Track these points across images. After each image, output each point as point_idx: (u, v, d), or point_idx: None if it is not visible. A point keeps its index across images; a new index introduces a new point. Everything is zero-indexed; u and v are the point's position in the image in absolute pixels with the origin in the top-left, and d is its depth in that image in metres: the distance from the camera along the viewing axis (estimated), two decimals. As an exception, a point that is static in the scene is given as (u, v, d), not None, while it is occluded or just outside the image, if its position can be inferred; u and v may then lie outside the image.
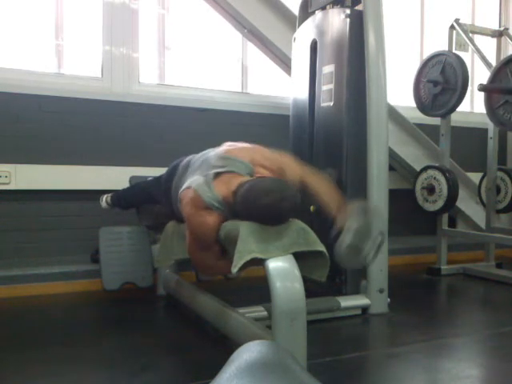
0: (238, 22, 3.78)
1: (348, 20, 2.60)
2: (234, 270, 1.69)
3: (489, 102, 3.31)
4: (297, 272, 1.70)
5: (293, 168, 2.08)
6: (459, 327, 2.47)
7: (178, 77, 3.74)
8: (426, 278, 3.51)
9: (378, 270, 2.54)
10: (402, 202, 3.63)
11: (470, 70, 4.06)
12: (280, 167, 2.04)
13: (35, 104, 3.11)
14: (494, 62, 3.56)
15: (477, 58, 3.74)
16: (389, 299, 2.58)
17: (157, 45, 3.71)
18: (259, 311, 2.21)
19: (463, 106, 3.85)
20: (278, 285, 1.67)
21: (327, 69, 2.76)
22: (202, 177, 1.96)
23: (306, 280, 1.74)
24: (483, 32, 3.94)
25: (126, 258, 2.85)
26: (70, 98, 3.19)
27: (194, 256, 2.05)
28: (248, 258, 1.69)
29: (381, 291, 2.54)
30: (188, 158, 2.26)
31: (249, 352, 0.80)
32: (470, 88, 3.57)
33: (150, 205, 2.75)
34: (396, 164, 4.09)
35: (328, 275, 1.90)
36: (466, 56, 3.77)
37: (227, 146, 2.14)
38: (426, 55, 3.87)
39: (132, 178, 3.01)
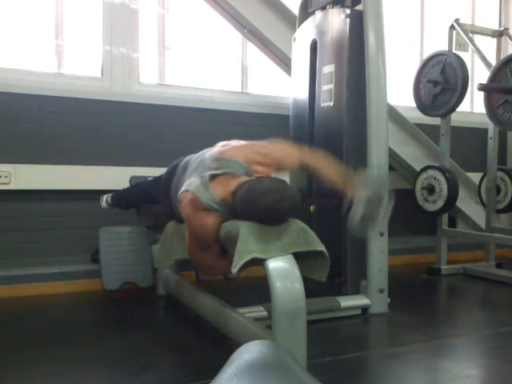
0: (238, 22, 3.79)
1: (348, 20, 2.60)
2: (234, 270, 1.69)
3: (488, 102, 3.31)
4: (297, 272, 1.70)
5: (290, 154, 2.07)
6: (459, 327, 2.47)
7: (178, 77, 3.74)
8: (425, 277, 3.51)
9: (378, 270, 2.54)
10: (402, 202, 3.60)
11: (470, 70, 4.06)
12: (276, 159, 2.03)
13: (35, 104, 3.11)
14: (493, 62, 3.56)
15: (477, 57, 3.74)
16: (389, 299, 2.58)
17: (157, 45, 3.71)
18: (259, 311, 2.21)
19: (463, 106, 3.85)
20: (278, 285, 1.67)
21: (327, 69, 2.76)
22: (198, 179, 1.96)
23: (305, 280, 1.74)
24: (483, 32, 3.94)
25: (126, 258, 2.85)
26: (69, 97, 3.19)
27: (193, 256, 2.05)
28: (248, 258, 1.69)
29: (381, 291, 2.54)
30: (187, 159, 2.26)
31: (249, 352, 0.80)
32: (469, 88, 3.57)
33: (149, 205, 2.75)
34: (396, 164, 4.09)
35: (328, 275, 1.90)
36: (466, 56, 3.77)
37: (220, 146, 2.12)
38: (426, 55, 3.87)
39: (132, 178, 3.01)
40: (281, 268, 1.70)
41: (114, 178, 3.14)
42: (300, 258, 1.76)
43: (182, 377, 1.82)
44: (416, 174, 3.70)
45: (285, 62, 3.73)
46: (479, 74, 4.61)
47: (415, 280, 3.46)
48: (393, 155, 3.85)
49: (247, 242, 1.71)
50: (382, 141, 2.55)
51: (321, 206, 2.83)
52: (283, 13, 3.69)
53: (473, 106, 4.93)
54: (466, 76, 3.35)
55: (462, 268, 3.60)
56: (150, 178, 2.74)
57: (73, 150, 3.20)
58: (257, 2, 3.69)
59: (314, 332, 2.04)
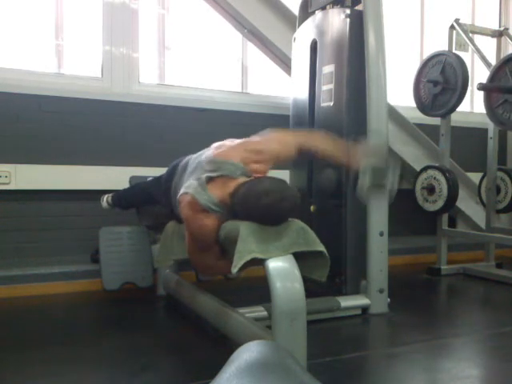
0: (238, 22, 3.79)
1: (348, 20, 2.60)
2: (234, 270, 1.69)
3: (488, 101, 3.31)
4: (297, 272, 1.70)
5: (285, 143, 2.07)
6: (459, 327, 2.47)
7: (178, 77, 3.74)
8: (425, 277, 3.51)
9: (378, 270, 2.54)
10: (402, 201, 3.61)
11: (470, 69, 4.06)
12: (273, 153, 2.01)
13: (35, 104, 3.11)
14: (493, 62, 3.56)
15: (477, 57, 3.74)
16: (389, 299, 2.58)
17: (157, 45, 3.71)
18: (259, 311, 2.21)
19: (463, 106, 3.85)
20: (278, 285, 1.67)
21: (327, 69, 2.76)
22: (195, 181, 1.96)
23: (305, 280, 1.74)
24: (483, 32, 3.94)
25: (126, 258, 2.85)
26: (69, 98, 3.19)
27: (193, 257, 2.05)
28: (248, 258, 1.69)
29: (381, 291, 2.54)
30: (186, 159, 2.26)
31: (249, 352, 0.80)
32: (469, 88, 3.57)
33: (149, 205, 2.75)
34: (396, 164, 4.08)
35: (328, 275, 1.90)
36: (466, 56, 3.77)
37: (215, 148, 2.10)
38: (426, 55, 3.87)
39: (132, 178, 3.01)
40: (281, 268, 1.70)
41: (114, 177, 3.14)
42: (300, 258, 1.76)
43: (182, 377, 1.82)
44: (416, 174, 3.70)
45: (285, 62, 3.73)
46: (479, 74, 4.61)
47: (415, 280, 3.46)
48: (393, 155, 3.85)
49: (247, 242, 1.71)
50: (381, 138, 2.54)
51: (321, 206, 2.83)
52: (283, 13, 3.69)
53: (473, 105, 4.93)
54: (466, 76, 3.35)
55: (462, 268, 3.60)
56: (150, 179, 2.74)
57: (73, 150, 3.20)
58: (257, 2, 3.69)
59: (314, 332, 2.04)
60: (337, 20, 2.69)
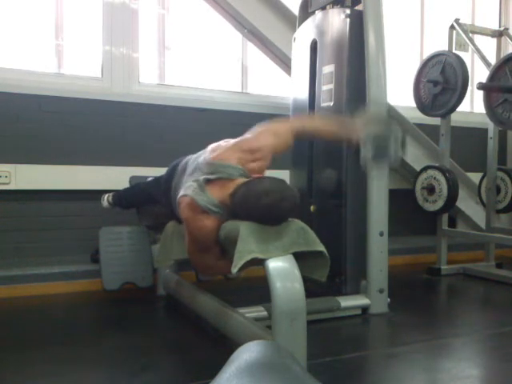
0: (238, 22, 3.79)
1: (348, 20, 2.60)
2: (234, 270, 1.69)
3: (488, 101, 3.31)
4: (297, 272, 1.70)
5: (279, 134, 2.05)
6: (459, 327, 2.47)
7: (178, 77, 3.74)
8: (425, 277, 3.51)
9: (378, 270, 2.54)
10: (402, 202, 3.63)
11: (470, 69, 4.06)
12: (269, 149, 2.00)
13: (35, 104, 3.11)
14: (493, 62, 3.56)
15: (477, 57, 3.74)
16: (389, 299, 2.58)
17: (157, 45, 3.71)
18: (259, 311, 2.21)
19: (463, 106, 3.85)
20: (278, 285, 1.67)
21: (327, 69, 2.76)
22: (194, 183, 1.96)
23: (305, 280, 1.74)
24: (483, 32, 3.94)
25: (126, 258, 2.85)
26: (69, 98, 3.19)
27: (193, 257, 2.05)
28: (248, 258, 1.69)
29: (381, 291, 2.54)
30: (186, 159, 2.26)
31: (249, 352, 0.80)
32: (469, 88, 3.57)
33: (150, 205, 2.75)
34: (396, 164, 4.08)
35: (328, 275, 1.90)
36: (466, 56, 3.77)
37: (211, 149, 2.09)
38: (426, 55, 3.87)
39: (132, 178, 3.01)
40: (281, 268, 1.70)
41: (114, 177, 3.14)
42: (300, 258, 1.76)
43: (182, 377, 1.82)
44: (416, 174, 3.70)
45: (285, 62, 3.73)
46: (479, 74, 4.61)
47: (415, 280, 3.46)
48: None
49: (247, 242, 1.71)
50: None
51: (321, 206, 2.83)
52: (283, 13, 3.69)
53: (473, 105, 4.93)
54: (466, 76, 3.35)
55: (462, 268, 3.60)
56: (150, 179, 2.74)
57: (73, 150, 3.20)
58: (257, 2, 3.69)
59: (314, 332, 2.04)
60: (337, 20, 2.69)
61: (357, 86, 2.59)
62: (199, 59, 3.81)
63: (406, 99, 4.07)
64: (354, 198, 2.63)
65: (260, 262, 1.72)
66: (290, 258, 1.73)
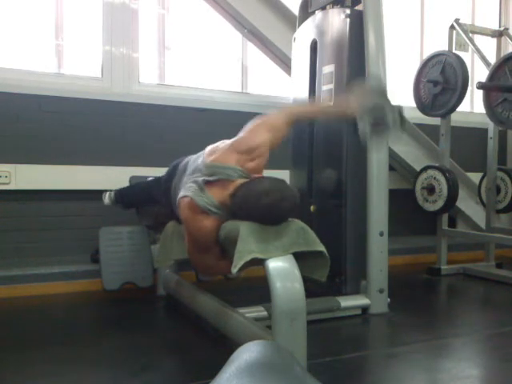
0: (238, 22, 3.79)
1: (348, 20, 2.60)
2: (234, 270, 1.69)
3: (487, 100, 3.31)
4: (297, 272, 1.70)
5: (275, 126, 2.04)
6: (459, 327, 2.47)
7: (178, 77, 3.74)
8: (425, 277, 3.51)
9: (378, 270, 2.54)
10: (402, 202, 3.63)
11: (470, 69, 4.06)
12: (265, 144, 1.99)
13: (35, 104, 3.11)
14: (493, 62, 3.56)
15: (477, 57, 3.74)
16: (389, 299, 2.58)
17: (157, 45, 3.71)
18: (259, 311, 2.21)
19: (463, 106, 3.85)
20: (278, 285, 1.67)
21: (327, 69, 2.75)
22: (194, 184, 1.96)
23: (305, 280, 1.74)
24: (483, 32, 3.94)
25: (126, 258, 2.85)
26: (69, 98, 3.19)
27: (193, 257, 2.05)
28: (248, 258, 1.69)
29: (381, 291, 2.54)
30: (187, 159, 2.26)
31: (249, 352, 0.80)
32: (469, 88, 3.57)
33: (150, 205, 2.75)
34: (396, 164, 4.09)
35: (328, 275, 1.90)
36: (466, 56, 3.77)
37: (209, 152, 2.08)
38: (426, 55, 3.87)
39: (132, 178, 3.01)
40: (281, 268, 1.70)
41: (114, 178, 3.14)
42: (300, 258, 1.76)
43: (182, 377, 1.82)
44: (416, 174, 3.70)
45: (285, 62, 3.73)
46: (479, 74, 4.61)
47: (415, 280, 3.46)
48: (393, 155, 3.85)
49: (247, 242, 1.71)
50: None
51: (321, 206, 2.83)
52: (283, 13, 3.69)
53: (473, 105, 4.93)
54: (466, 76, 3.35)
55: (462, 268, 3.60)
56: (150, 178, 2.74)
57: (73, 150, 3.20)
58: (257, 2, 3.69)
59: (314, 332, 2.04)
60: (337, 20, 2.69)
61: (357, 85, 2.59)
62: (199, 59, 3.81)
63: (406, 99, 4.07)
64: (354, 197, 2.63)
65: (260, 262, 1.72)
66: (290, 258, 1.73)
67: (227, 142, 2.08)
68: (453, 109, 3.46)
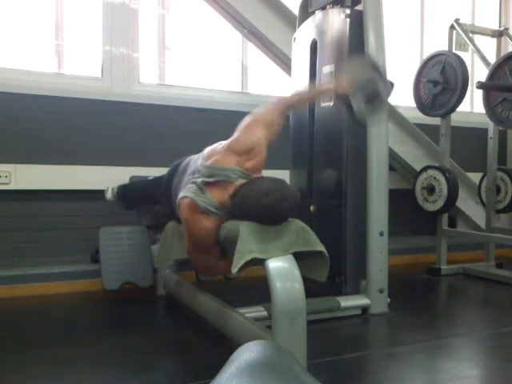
0: (238, 22, 3.78)
1: (348, 20, 2.60)
2: (234, 270, 1.69)
3: (487, 100, 3.32)
4: (297, 272, 1.70)
5: (269, 120, 2.03)
6: (459, 327, 2.47)
7: (178, 77, 3.74)
8: (425, 277, 3.51)
9: (378, 270, 2.54)
10: (402, 201, 3.63)
11: (470, 69, 4.06)
12: (262, 141, 1.98)
13: (35, 104, 3.11)
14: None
15: (477, 57, 3.74)
16: (389, 299, 2.58)
17: (157, 45, 3.71)
18: (259, 311, 2.21)
19: (463, 106, 3.85)
20: (278, 285, 1.67)
21: (327, 69, 2.75)
22: (194, 185, 1.96)
23: (305, 280, 1.74)
24: (483, 32, 3.94)
25: (126, 258, 2.85)
26: (69, 98, 3.19)
27: (193, 257, 2.05)
28: (248, 258, 1.69)
29: (381, 291, 2.54)
30: (188, 159, 2.25)
31: (249, 352, 0.80)
32: (469, 88, 3.57)
33: (150, 205, 2.75)
34: (396, 164, 4.09)
35: (328, 275, 1.90)
36: (466, 56, 3.77)
37: (207, 154, 2.07)
38: (426, 55, 3.87)
39: (132, 178, 3.01)
40: (281, 268, 1.70)
41: (114, 178, 3.13)
42: (300, 258, 1.77)
43: (182, 377, 1.82)
44: (416, 174, 3.70)
45: (285, 62, 3.73)
46: (479, 74, 4.61)
47: (415, 280, 3.46)
48: (393, 155, 3.85)
49: (247, 242, 1.71)
50: (382, 140, 2.55)
51: (321, 206, 2.83)
52: (283, 13, 3.69)
53: (473, 105, 4.93)
54: (466, 76, 3.35)
55: (462, 268, 3.60)
56: (151, 178, 2.75)
57: (73, 150, 3.20)
58: (257, 2, 3.69)
59: (314, 332, 2.04)
60: (337, 20, 2.69)
61: (357, 85, 2.59)
62: (199, 59, 3.81)
63: (406, 99, 4.07)
64: (354, 197, 2.63)
65: (260, 262, 1.72)
66: (290, 258, 1.73)
67: (224, 143, 2.07)
68: (453, 109, 3.46)
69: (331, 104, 2.72)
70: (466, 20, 4.19)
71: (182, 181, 2.11)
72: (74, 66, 3.40)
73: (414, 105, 3.71)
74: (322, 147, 2.85)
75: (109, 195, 2.82)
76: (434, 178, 3.51)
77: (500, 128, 3.74)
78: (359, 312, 2.53)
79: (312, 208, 2.84)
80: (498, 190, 3.86)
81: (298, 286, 1.69)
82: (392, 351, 2.10)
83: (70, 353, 2.00)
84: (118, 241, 2.87)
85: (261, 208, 1.75)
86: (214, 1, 3.70)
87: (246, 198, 1.79)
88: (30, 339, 2.14)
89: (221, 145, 2.08)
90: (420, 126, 4.12)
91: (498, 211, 3.89)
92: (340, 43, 2.66)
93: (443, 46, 3.68)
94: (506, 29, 3.92)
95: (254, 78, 3.97)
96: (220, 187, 1.92)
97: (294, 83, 3.16)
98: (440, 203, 3.47)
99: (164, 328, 2.42)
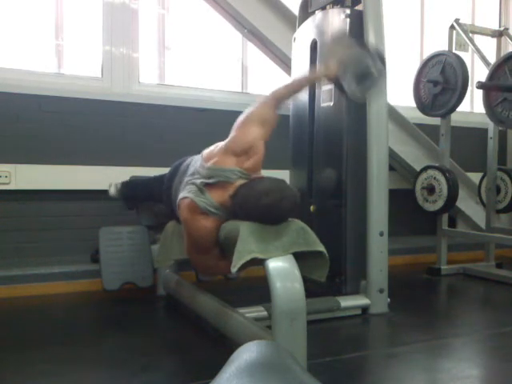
0: (238, 22, 3.78)
1: (348, 20, 2.60)
2: (234, 269, 1.69)
3: (487, 100, 3.32)
4: (297, 272, 1.70)
5: (264, 116, 2.03)
6: (459, 327, 2.47)
7: (178, 77, 3.74)
8: (425, 277, 3.51)
9: (378, 270, 2.54)
10: (402, 202, 3.63)
11: (470, 69, 4.06)
12: (259, 139, 1.98)
13: (35, 104, 3.11)
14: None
15: (477, 57, 3.74)
16: (389, 299, 2.58)
17: (157, 45, 3.71)
18: (259, 311, 2.21)
19: (463, 106, 3.85)
20: (278, 285, 1.67)
21: (327, 69, 2.75)
22: (194, 186, 1.96)
23: (305, 280, 1.74)
24: (483, 32, 3.94)
25: (126, 258, 2.85)
26: (69, 98, 3.19)
27: (193, 258, 2.05)
28: (248, 257, 1.69)
29: (381, 291, 2.54)
30: (189, 159, 2.25)
31: (249, 352, 0.80)
32: (469, 88, 3.57)
33: (150, 204, 2.75)
34: (396, 164, 4.09)
35: (328, 275, 1.90)
36: (466, 56, 3.77)
37: (206, 156, 2.07)
38: (426, 55, 3.87)
39: (132, 178, 3.00)
40: (281, 268, 1.70)
41: (114, 178, 3.12)
42: (300, 258, 1.77)
43: (182, 377, 1.82)
44: (416, 174, 3.70)
45: (285, 62, 3.73)
46: (479, 74, 4.61)
47: (415, 280, 3.46)
48: (393, 155, 3.85)
49: (247, 241, 1.71)
50: (381, 141, 2.55)
51: (321, 206, 2.83)
52: (283, 13, 3.69)
53: (473, 105, 4.93)
54: (466, 76, 3.35)
55: (462, 268, 3.60)
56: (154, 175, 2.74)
57: (73, 150, 3.20)
58: (257, 2, 3.69)
59: (314, 332, 2.04)
60: (337, 20, 2.69)
61: (357, 85, 2.58)
62: (199, 59, 3.81)
63: (406, 99, 4.07)
64: (354, 197, 2.63)
65: (260, 262, 1.72)
66: (290, 258, 1.73)
67: (221, 144, 2.07)
68: (453, 109, 3.46)
69: (331, 104, 2.72)
70: (466, 20, 4.19)
71: (183, 181, 2.11)
72: (74, 66, 3.40)
73: (414, 105, 3.71)
74: (321, 147, 2.85)
75: (112, 191, 2.83)
76: (434, 178, 3.51)
77: (500, 128, 3.74)
78: (359, 312, 2.53)
79: (312, 208, 2.84)
80: (498, 190, 3.86)
81: (298, 286, 1.69)
82: (392, 351, 2.10)
83: (70, 353, 2.00)
84: (118, 241, 2.87)
85: (261, 208, 1.75)
86: (214, 1, 3.70)
87: (246, 198, 1.79)
88: (29, 339, 2.14)
89: (217, 147, 2.07)
90: (420, 126, 4.12)
91: (498, 211, 3.89)
92: (340, 43, 2.66)
93: (443, 46, 3.68)
94: (506, 29, 3.92)
95: (254, 77, 3.97)
96: (220, 188, 1.92)
97: (294, 83, 3.16)
98: (440, 203, 3.47)
99: (164, 328, 2.42)
